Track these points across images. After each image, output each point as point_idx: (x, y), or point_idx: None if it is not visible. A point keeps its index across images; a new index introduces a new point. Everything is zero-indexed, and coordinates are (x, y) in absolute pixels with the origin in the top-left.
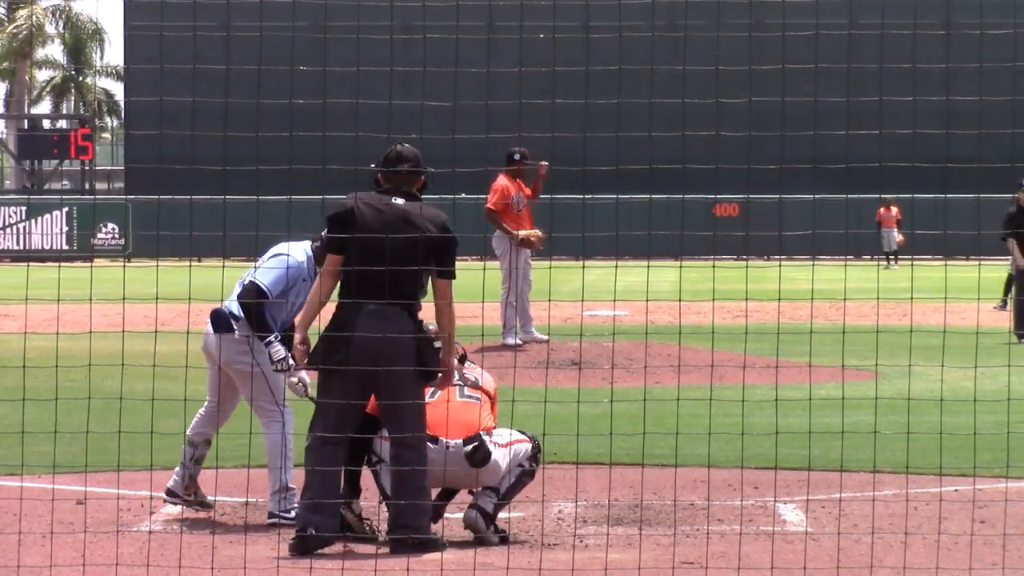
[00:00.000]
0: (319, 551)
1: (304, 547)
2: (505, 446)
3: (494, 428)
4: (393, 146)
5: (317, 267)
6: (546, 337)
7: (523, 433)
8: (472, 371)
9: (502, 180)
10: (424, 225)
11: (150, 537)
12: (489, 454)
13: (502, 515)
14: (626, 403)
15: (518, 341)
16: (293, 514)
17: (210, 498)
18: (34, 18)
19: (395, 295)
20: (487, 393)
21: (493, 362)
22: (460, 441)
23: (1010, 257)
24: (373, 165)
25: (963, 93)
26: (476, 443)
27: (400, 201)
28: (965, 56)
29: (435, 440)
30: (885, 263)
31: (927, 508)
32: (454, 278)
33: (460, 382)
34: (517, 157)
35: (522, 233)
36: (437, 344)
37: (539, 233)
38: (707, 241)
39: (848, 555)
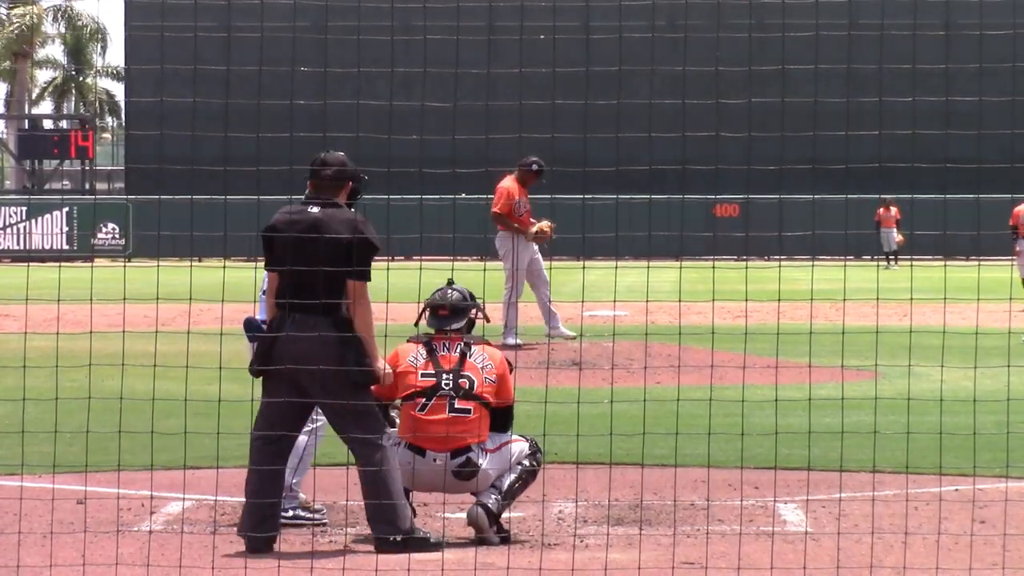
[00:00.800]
0: (321, 551)
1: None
2: (495, 449)
3: (486, 439)
4: (319, 153)
5: None
6: (574, 334)
7: (520, 435)
8: (476, 356)
9: (508, 182)
10: (334, 230)
11: (150, 537)
12: (477, 470)
13: (503, 515)
14: (626, 403)
15: (518, 342)
16: (291, 513)
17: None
18: (30, 17)
19: (314, 302)
20: (487, 397)
21: None
22: (448, 454)
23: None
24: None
25: (963, 93)
26: (462, 459)
27: (315, 210)
28: (965, 56)
29: (422, 453)
30: (885, 263)
31: (927, 508)
32: (368, 279)
33: (452, 393)
34: (535, 168)
35: (534, 227)
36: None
37: (549, 223)
38: (707, 241)
39: (848, 555)
